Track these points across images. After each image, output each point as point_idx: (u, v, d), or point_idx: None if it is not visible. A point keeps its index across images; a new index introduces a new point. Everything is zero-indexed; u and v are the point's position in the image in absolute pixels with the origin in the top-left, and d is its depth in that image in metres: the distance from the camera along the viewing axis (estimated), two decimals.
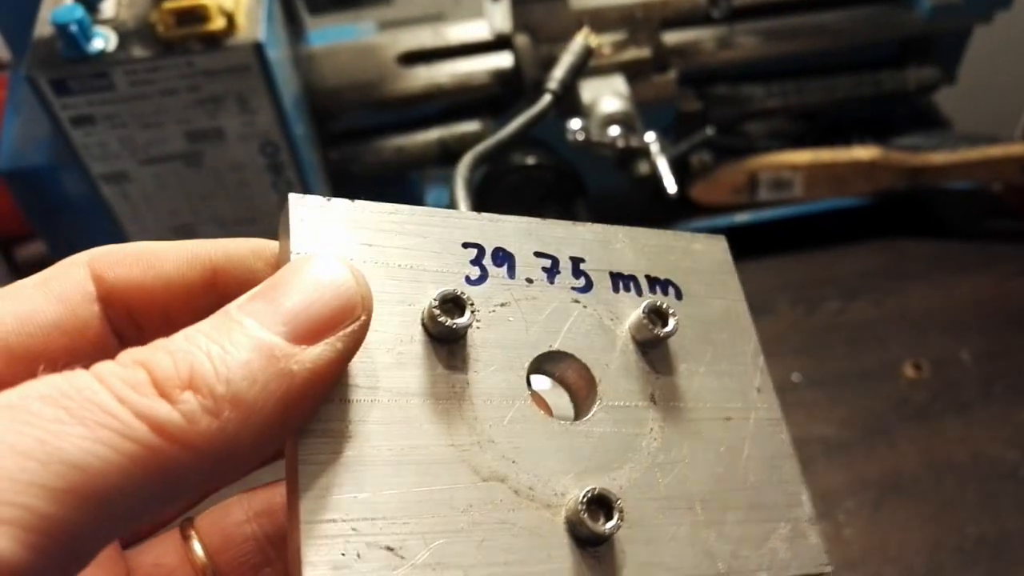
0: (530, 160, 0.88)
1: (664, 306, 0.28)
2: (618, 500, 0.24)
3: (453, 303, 0.25)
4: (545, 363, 0.27)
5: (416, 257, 0.26)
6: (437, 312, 0.25)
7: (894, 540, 0.73)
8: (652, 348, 0.28)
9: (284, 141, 0.77)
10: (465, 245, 0.27)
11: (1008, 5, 0.97)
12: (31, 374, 0.22)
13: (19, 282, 0.24)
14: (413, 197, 0.98)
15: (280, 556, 0.30)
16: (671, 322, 0.27)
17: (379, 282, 0.25)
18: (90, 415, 0.18)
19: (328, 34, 0.93)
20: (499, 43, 0.91)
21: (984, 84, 1.10)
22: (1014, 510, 0.75)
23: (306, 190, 0.87)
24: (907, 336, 0.89)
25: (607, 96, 0.84)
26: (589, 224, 0.30)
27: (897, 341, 0.89)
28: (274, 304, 0.22)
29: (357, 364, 0.24)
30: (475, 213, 0.28)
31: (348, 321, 0.22)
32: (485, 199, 0.87)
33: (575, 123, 0.82)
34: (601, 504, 0.24)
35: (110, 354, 0.21)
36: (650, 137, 0.81)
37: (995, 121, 1.11)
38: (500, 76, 0.90)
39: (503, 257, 0.28)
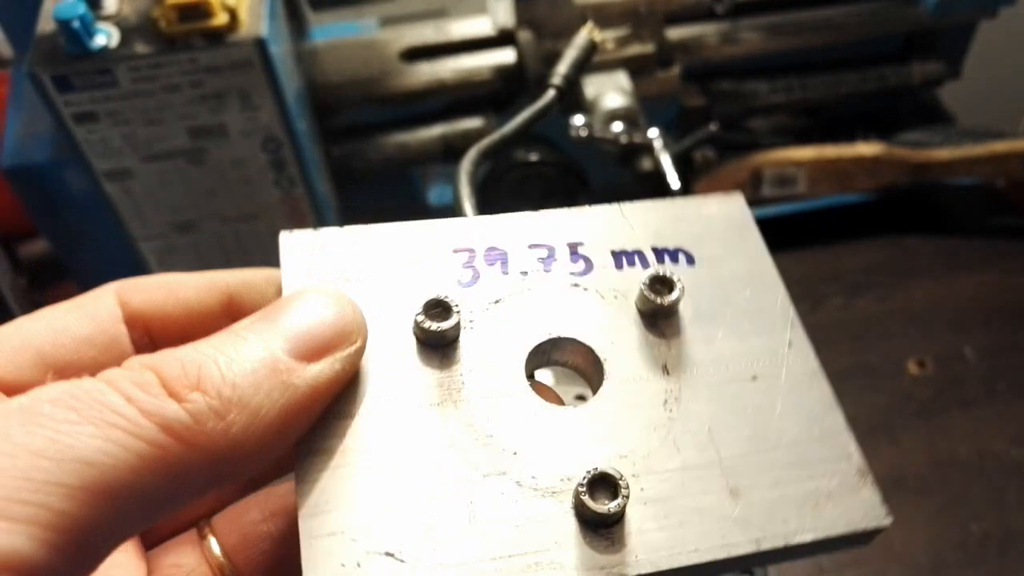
0: (533, 156, 0.88)
1: (668, 274, 0.27)
2: (621, 478, 0.23)
3: (439, 308, 0.25)
4: (548, 352, 0.27)
5: (407, 271, 0.27)
6: (422, 319, 0.25)
7: (898, 537, 0.73)
8: (662, 319, 0.27)
9: (286, 137, 0.77)
10: (456, 251, 0.28)
11: (1013, 1, 0.96)
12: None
13: (52, 305, 0.26)
14: (416, 193, 0.98)
15: (297, 555, 0.30)
16: (676, 289, 0.27)
17: (371, 300, 0.26)
18: (99, 415, 0.19)
19: (330, 30, 0.93)
20: (502, 39, 0.91)
21: (988, 79, 1.09)
22: (1019, 506, 0.75)
23: (308, 186, 0.87)
24: (911, 332, 0.89)
25: (610, 92, 0.84)
26: (587, 207, 0.30)
27: (901, 337, 0.89)
28: (277, 324, 0.23)
29: (353, 382, 0.25)
30: (465, 217, 0.29)
31: (345, 345, 0.24)
32: (489, 196, 0.87)
33: (578, 119, 0.81)
34: (605, 484, 0.23)
35: None
36: (653, 133, 0.81)
37: (999, 117, 1.11)
38: (503, 72, 0.90)
39: (496, 255, 0.28)
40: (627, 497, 0.23)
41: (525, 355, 0.26)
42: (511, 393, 0.25)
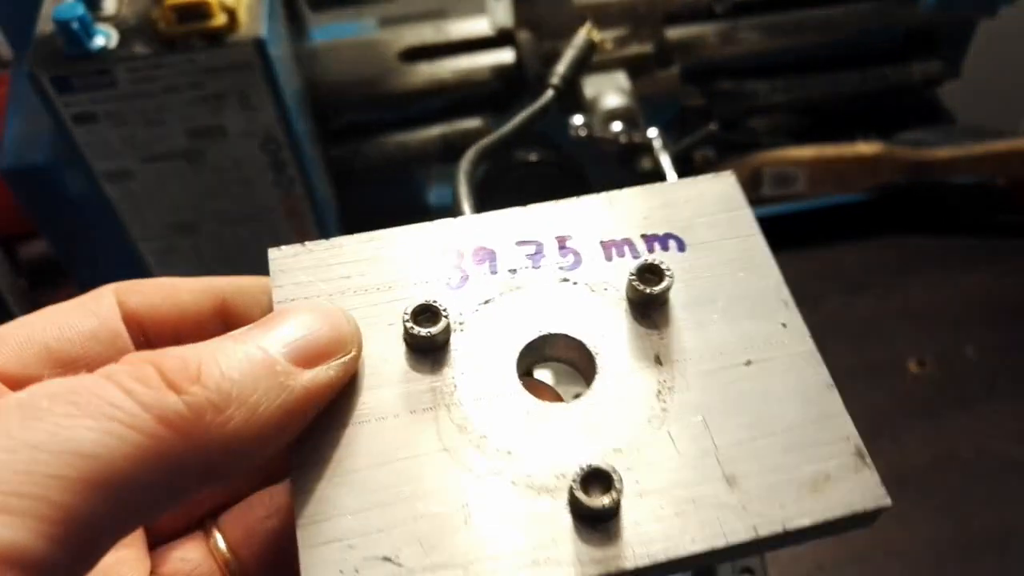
0: (533, 156, 0.88)
1: (656, 262, 0.27)
2: (615, 472, 0.23)
3: (427, 313, 0.26)
4: (540, 349, 0.27)
5: (394, 278, 0.27)
6: (410, 325, 0.25)
7: (899, 535, 0.73)
8: (653, 308, 0.27)
9: (286, 138, 0.77)
10: (444, 253, 0.28)
11: (1012, 0, 0.96)
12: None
13: (54, 305, 0.26)
14: (415, 193, 0.98)
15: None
16: (665, 278, 0.26)
17: (360, 309, 0.26)
18: (98, 408, 0.19)
19: (330, 30, 0.93)
20: (501, 39, 0.91)
21: (988, 78, 1.09)
22: (1019, 505, 0.75)
23: (308, 187, 0.87)
24: (911, 331, 0.89)
25: (609, 92, 0.84)
26: (574, 199, 0.29)
27: (901, 336, 0.89)
28: (274, 331, 0.24)
29: (346, 390, 0.25)
30: (452, 219, 0.29)
31: (340, 353, 0.24)
32: (488, 196, 0.87)
33: (577, 119, 0.81)
34: (599, 479, 0.23)
35: None
36: (652, 133, 0.81)
37: (999, 115, 1.11)
38: (502, 72, 0.90)
39: (484, 255, 0.28)
40: (620, 491, 0.23)
41: (516, 354, 0.26)
42: (503, 393, 0.25)
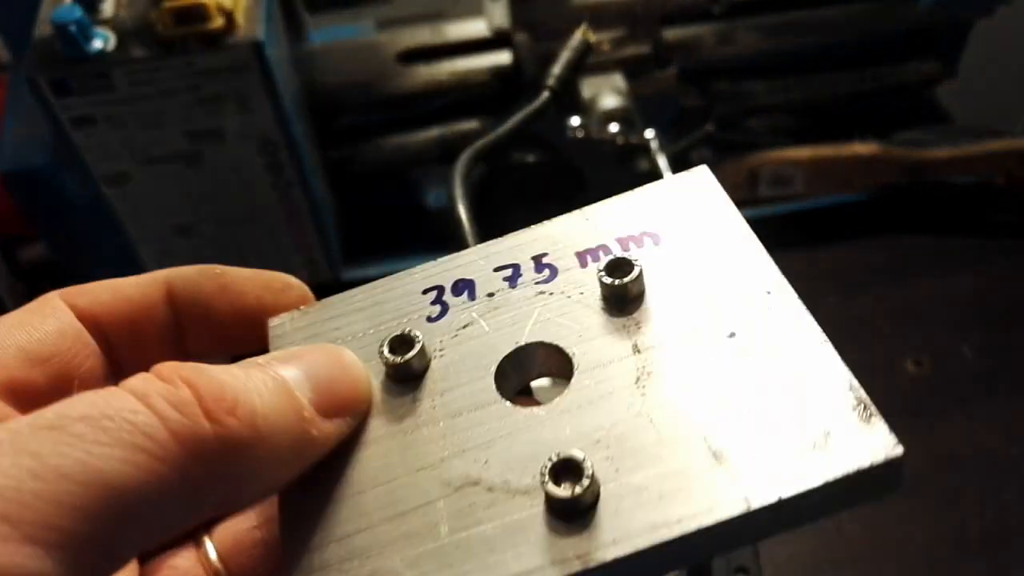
0: (531, 158, 0.88)
1: (626, 256, 0.27)
2: (584, 459, 0.22)
3: (402, 343, 0.26)
4: (521, 362, 0.27)
5: (378, 321, 0.28)
6: (386, 355, 0.26)
7: (895, 535, 0.73)
8: (628, 301, 0.26)
9: (283, 140, 0.77)
10: (425, 291, 0.29)
11: (1009, 0, 0.96)
12: (48, 376, 0.25)
13: (5, 315, 0.27)
14: (414, 195, 0.98)
15: None
16: (635, 267, 0.26)
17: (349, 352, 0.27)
18: (130, 437, 0.19)
19: (327, 33, 0.93)
20: (498, 40, 0.91)
21: (985, 78, 1.09)
22: (1016, 505, 0.75)
23: (306, 189, 0.87)
24: (908, 331, 0.89)
25: (606, 93, 0.84)
26: (552, 220, 0.30)
27: (898, 336, 0.89)
28: (303, 371, 0.24)
29: None
30: (432, 262, 0.30)
31: (358, 407, 0.25)
32: (485, 198, 0.87)
33: (575, 120, 0.81)
34: (570, 469, 0.22)
35: (105, 367, 0.26)
36: (650, 134, 0.81)
37: (997, 115, 1.11)
38: (500, 73, 0.90)
39: (463, 286, 0.29)
40: (592, 477, 0.22)
41: (494, 368, 0.26)
42: (482, 406, 0.25)
